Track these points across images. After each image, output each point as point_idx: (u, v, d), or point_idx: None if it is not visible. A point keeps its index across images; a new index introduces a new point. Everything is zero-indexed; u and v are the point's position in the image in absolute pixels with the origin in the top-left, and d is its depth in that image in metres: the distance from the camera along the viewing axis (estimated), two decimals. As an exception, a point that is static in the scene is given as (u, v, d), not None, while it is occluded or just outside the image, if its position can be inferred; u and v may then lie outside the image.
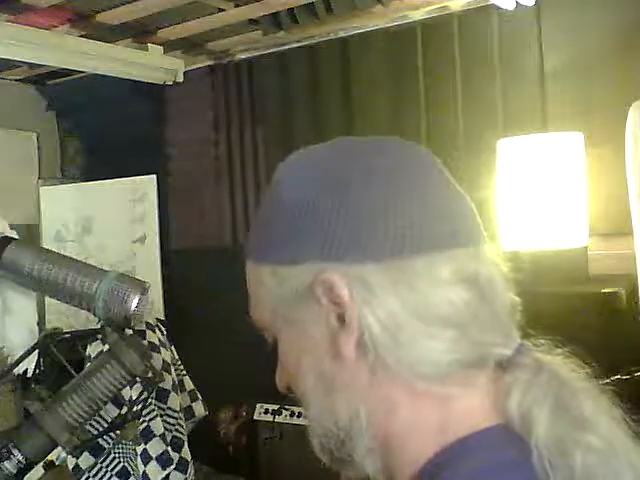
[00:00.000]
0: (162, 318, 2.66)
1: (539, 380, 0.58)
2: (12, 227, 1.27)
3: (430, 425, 0.59)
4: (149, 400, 1.75)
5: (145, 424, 1.77)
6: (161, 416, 1.82)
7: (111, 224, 3.01)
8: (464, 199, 0.64)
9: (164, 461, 1.79)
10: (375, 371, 0.59)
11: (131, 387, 1.54)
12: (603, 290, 1.79)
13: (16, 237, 1.21)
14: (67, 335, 1.15)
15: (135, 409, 1.20)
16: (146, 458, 1.77)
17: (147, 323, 1.92)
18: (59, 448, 1.03)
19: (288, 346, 0.64)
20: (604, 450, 0.55)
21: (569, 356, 0.61)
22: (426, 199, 0.60)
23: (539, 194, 1.94)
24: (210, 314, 2.85)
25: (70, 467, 1.74)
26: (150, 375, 1.09)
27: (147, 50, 2.78)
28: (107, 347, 1.09)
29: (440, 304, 0.57)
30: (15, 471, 0.99)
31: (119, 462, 1.83)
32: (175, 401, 1.88)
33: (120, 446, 1.82)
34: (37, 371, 1.10)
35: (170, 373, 1.92)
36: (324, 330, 0.60)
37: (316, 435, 0.63)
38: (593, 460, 0.54)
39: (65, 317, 2.70)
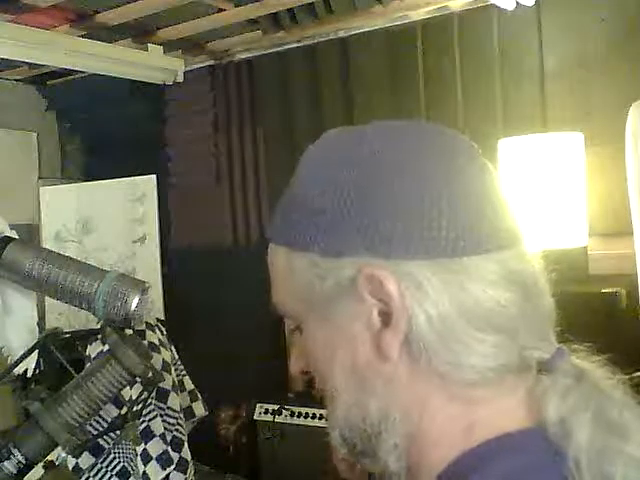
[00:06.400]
0: (162, 318, 2.66)
1: (580, 386, 0.56)
2: (12, 227, 1.26)
3: (461, 426, 0.57)
4: (149, 400, 1.75)
5: (145, 424, 1.77)
6: (161, 416, 1.82)
7: (111, 224, 3.01)
8: (507, 198, 0.62)
9: (164, 461, 1.79)
10: (416, 372, 0.57)
11: (131, 387, 1.54)
12: (603, 290, 1.79)
13: (16, 237, 1.21)
14: (67, 335, 1.15)
15: (135, 409, 1.20)
16: (146, 458, 1.77)
17: (147, 323, 1.92)
18: (59, 448, 1.03)
19: (317, 338, 0.62)
20: None
21: (603, 365, 0.60)
22: (476, 199, 0.58)
23: (539, 194, 1.94)
24: (210, 314, 2.85)
25: (70, 467, 1.74)
26: (150, 375, 1.09)
27: (147, 50, 2.78)
28: (107, 347, 1.09)
29: (490, 307, 0.56)
30: (15, 471, 0.99)
31: (119, 462, 1.83)
32: (175, 401, 1.88)
33: (120, 446, 1.82)
34: (37, 371, 1.10)
35: (170, 373, 1.92)
36: (364, 326, 0.58)
37: (339, 427, 0.61)
38: (634, 473, 0.53)
39: (65, 317, 2.70)
